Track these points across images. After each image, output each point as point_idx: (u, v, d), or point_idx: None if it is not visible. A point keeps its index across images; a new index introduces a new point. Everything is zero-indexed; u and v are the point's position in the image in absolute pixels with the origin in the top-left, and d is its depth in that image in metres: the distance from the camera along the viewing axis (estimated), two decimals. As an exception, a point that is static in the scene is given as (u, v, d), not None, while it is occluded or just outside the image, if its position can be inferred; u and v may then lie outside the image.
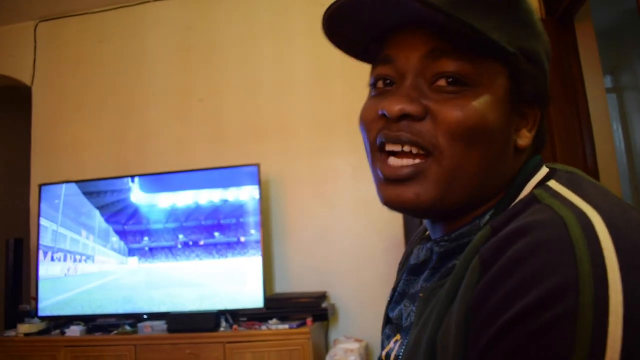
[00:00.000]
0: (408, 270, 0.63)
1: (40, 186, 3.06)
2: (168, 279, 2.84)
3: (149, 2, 3.32)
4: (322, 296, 2.73)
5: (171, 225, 2.88)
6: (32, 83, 3.45)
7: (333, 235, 2.91)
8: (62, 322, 2.84)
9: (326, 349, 2.73)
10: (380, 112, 0.52)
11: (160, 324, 2.63)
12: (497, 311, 0.40)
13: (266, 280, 2.73)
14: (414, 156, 0.51)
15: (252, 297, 2.65)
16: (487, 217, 0.53)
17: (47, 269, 2.95)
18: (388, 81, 0.55)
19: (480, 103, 0.50)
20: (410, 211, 0.53)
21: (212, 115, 3.16)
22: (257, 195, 2.75)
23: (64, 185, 3.02)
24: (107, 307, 2.82)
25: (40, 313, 2.87)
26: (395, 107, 0.50)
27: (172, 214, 2.88)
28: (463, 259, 0.48)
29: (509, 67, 0.52)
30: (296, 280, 2.91)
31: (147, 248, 2.89)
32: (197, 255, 2.82)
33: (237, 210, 2.79)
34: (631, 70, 3.61)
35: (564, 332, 0.36)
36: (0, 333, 2.83)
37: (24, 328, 2.74)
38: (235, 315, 2.66)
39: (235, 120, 3.12)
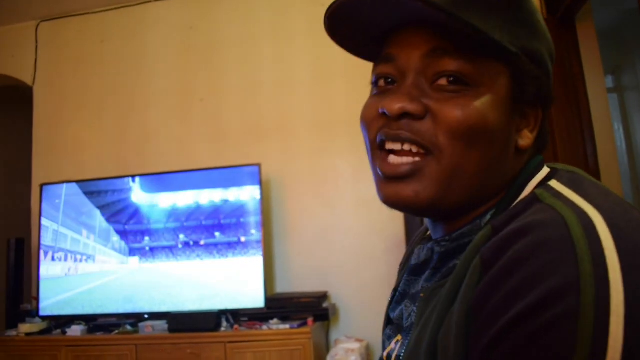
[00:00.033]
0: (409, 271, 0.63)
1: (41, 186, 3.06)
2: (169, 279, 2.84)
3: (150, 2, 3.33)
4: (323, 296, 2.73)
5: (172, 225, 2.88)
6: (33, 83, 3.45)
7: (334, 235, 2.91)
8: (63, 321, 2.84)
9: (327, 349, 2.73)
10: (380, 111, 0.52)
11: (162, 324, 2.63)
12: (498, 311, 0.40)
13: (267, 280, 2.73)
14: (414, 154, 0.51)
15: (253, 297, 2.66)
16: (488, 216, 0.53)
17: (48, 269, 2.95)
18: (389, 80, 0.55)
19: (481, 103, 0.50)
20: (409, 209, 0.53)
21: (213, 115, 3.16)
22: (258, 195, 2.75)
23: (64, 185, 3.02)
24: (107, 307, 2.83)
25: (42, 313, 2.87)
26: (396, 105, 0.50)
27: (173, 213, 2.88)
28: (464, 259, 0.48)
29: (511, 67, 0.52)
30: (297, 280, 2.91)
31: (147, 248, 2.89)
32: (198, 255, 2.82)
33: (238, 210, 2.79)
34: (632, 70, 3.61)
35: (565, 332, 0.36)
36: (2, 333, 2.84)
37: (25, 328, 2.74)
38: (237, 315, 2.66)
39: (236, 120, 3.12)
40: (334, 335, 2.81)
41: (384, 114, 0.52)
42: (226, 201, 2.82)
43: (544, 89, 0.54)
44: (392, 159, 0.52)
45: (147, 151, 3.21)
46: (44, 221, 3.00)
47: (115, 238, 2.94)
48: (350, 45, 0.59)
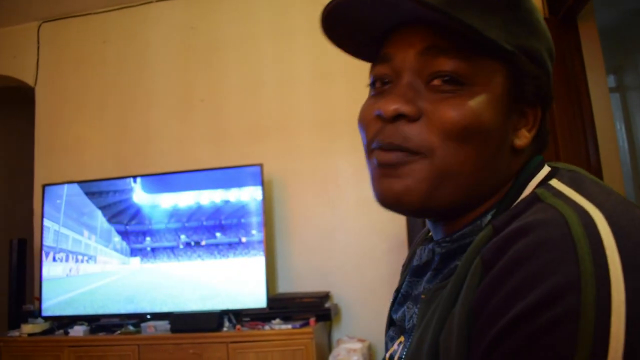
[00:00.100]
0: (411, 272, 0.63)
1: (43, 186, 3.07)
2: (170, 280, 2.84)
3: (151, 2, 3.33)
4: (325, 296, 2.72)
5: (173, 225, 2.88)
6: (35, 84, 3.46)
7: (336, 235, 2.91)
8: (65, 322, 2.84)
9: (329, 349, 2.73)
10: (376, 113, 0.52)
11: (164, 324, 2.63)
12: (499, 311, 0.40)
13: (269, 280, 2.73)
14: (406, 155, 0.51)
15: (255, 297, 2.66)
16: (488, 217, 0.53)
17: (49, 270, 2.95)
18: (386, 81, 0.54)
19: (476, 102, 0.50)
20: (402, 207, 0.52)
21: (214, 116, 3.16)
22: (259, 196, 2.75)
23: (65, 186, 3.03)
24: (109, 307, 2.83)
25: (44, 313, 2.87)
26: (390, 107, 0.50)
27: (175, 214, 2.89)
28: (465, 260, 0.48)
29: (508, 66, 0.51)
30: (299, 281, 2.91)
31: (149, 248, 2.89)
32: (199, 256, 2.83)
33: (240, 211, 2.80)
34: (634, 69, 3.60)
35: (565, 332, 0.36)
36: (4, 333, 2.84)
37: (27, 328, 2.74)
38: (239, 316, 2.66)
39: (237, 120, 3.12)
40: (336, 335, 2.81)
41: (379, 116, 0.52)
42: (228, 201, 2.82)
43: (543, 88, 0.54)
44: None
45: (149, 151, 3.22)
46: (46, 222, 3.00)
47: (117, 238, 2.94)
48: (348, 45, 0.59)
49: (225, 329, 2.57)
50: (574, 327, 0.36)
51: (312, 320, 2.53)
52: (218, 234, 2.81)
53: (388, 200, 0.52)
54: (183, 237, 2.86)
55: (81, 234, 2.98)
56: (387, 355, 0.63)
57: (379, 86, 0.55)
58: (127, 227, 2.93)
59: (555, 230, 0.40)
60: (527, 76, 0.52)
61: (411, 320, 0.59)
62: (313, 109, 3.02)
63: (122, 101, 3.32)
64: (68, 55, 3.45)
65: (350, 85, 2.81)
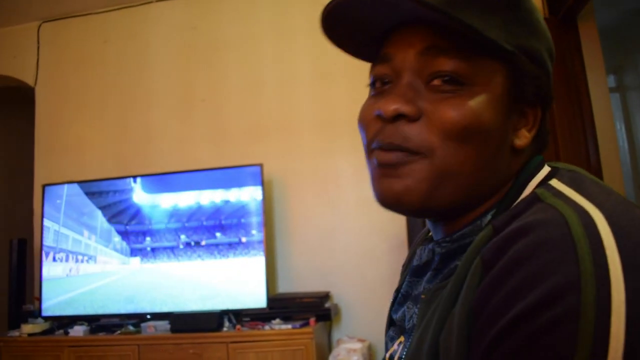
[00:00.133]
0: (411, 272, 0.63)
1: (43, 186, 3.07)
2: (170, 280, 2.84)
3: (151, 2, 3.33)
4: (325, 296, 2.72)
5: (173, 225, 2.88)
6: (35, 84, 3.46)
7: (336, 235, 2.91)
8: (65, 322, 2.84)
9: (329, 349, 2.73)
10: (376, 113, 0.52)
11: (164, 324, 2.63)
12: (499, 311, 0.40)
13: (269, 280, 2.73)
14: (405, 155, 0.51)
15: (255, 297, 2.66)
16: (488, 217, 0.53)
17: (49, 270, 2.95)
18: (386, 80, 0.54)
19: (476, 102, 0.50)
20: (402, 206, 0.52)
21: (215, 116, 3.16)
22: (259, 196, 2.75)
23: (65, 186, 3.03)
24: (109, 307, 2.83)
25: (44, 313, 2.87)
26: (391, 107, 0.50)
27: (175, 214, 2.89)
28: (465, 260, 0.48)
29: (508, 66, 0.51)
30: (299, 281, 2.91)
31: (149, 248, 2.89)
32: (199, 256, 2.83)
33: (240, 211, 2.80)
34: (634, 69, 3.60)
35: (565, 332, 0.36)
36: (4, 333, 2.84)
37: (27, 328, 2.74)
38: (239, 316, 2.66)
39: (238, 120, 3.12)
40: (336, 335, 2.81)
41: (379, 116, 0.52)
42: (228, 201, 2.82)
43: (543, 88, 0.54)
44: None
45: (149, 151, 3.22)
46: (46, 222, 3.00)
47: (117, 238, 2.94)
48: (349, 45, 0.59)
49: (225, 329, 2.57)
50: (574, 327, 0.36)
51: (312, 320, 2.53)
52: (218, 234, 2.81)
53: (388, 200, 0.52)
54: (183, 237, 2.86)
55: (81, 234, 2.98)
56: (387, 355, 0.63)
57: (379, 86, 0.55)
58: (127, 227, 2.93)
59: (555, 230, 0.40)
60: (527, 76, 0.52)
61: (411, 321, 0.59)
62: (313, 109, 3.02)
63: (123, 101, 3.32)
64: (68, 55, 3.45)
65: (350, 85, 2.81)
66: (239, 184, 2.80)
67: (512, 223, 0.44)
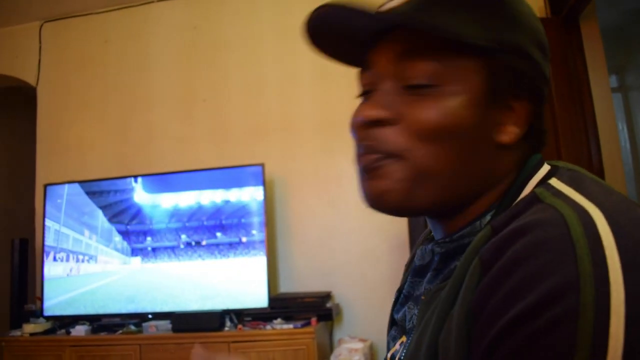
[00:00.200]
0: (412, 272, 0.63)
1: (45, 186, 3.07)
2: (171, 279, 2.84)
3: (153, 2, 3.33)
4: (327, 296, 2.72)
5: (174, 225, 2.88)
6: (37, 84, 3.46)
7: (337, 235, 2.91)
8: (67, 322, 2.85)
9: (331, 348, 2.73)
10: (356, 120, 0.54)
11: (165, 324, 2.63)
12: (498, 312, 0.39)
13: (271, 280, 2.73)
14: (383, 158, 0.52)
15: (256, 297, 2.66)
16: (488, 217, 0.52)
17: (50, 269, 2.96)
18: (368, 88, 0.56)
19: (451, 102, 0.50)
20: (383, 208, 0.53)
21: (216, 115, 3.16)
22: (261, 195, 2.75)
23: (66, 185, 3.03)
24: (110, 307, 2.83)
25: (46, 313, 2.88)
26: (366, 113, 0.52)
27: (175, 214, 2.89)
28: (463, 260, 0.47)
29: (487, 61, 0.51)
30: (300, 280, 2.91)
31: (150, 248, 2.89)
32: (200, 256, 2.83)
33: (241, 210, 2.80)
34: (637, 69, 3.60)
35: (565, 332, 0.36)
36: (6, 333, 2.84)
37: (29, 328, 2.75)
38: (240, 315, 2.66)
39: (239, 120, 3.12)
40: (337, 335, 2.81)
41: (360, 122, 0.53)
42: (230, 201, 2.82)
43: (529, 81, 0.53)
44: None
45: (151, 151, 3.22)
46: (47, 221, 3.01)
47: (118, 238, 2.94)
48: (341, 55, 0.61)
49: (226, 328, 2.57)
50: (573, 327, 0.35)
51: (313, 320, 2.53)
52: (219, 234, 2.82)
53: (370, 201, 0.54)
54: (184, 236, 2.86)
55: (82, 233, 2.98)
56: (389, 355, 0.63)
57: (365, 92, 0.57)
58: (128, 227, 2.93)
59: (554, 230, 0.40)
60: (506, 70, 0.51)
61: (411, 321, 0.59)
62: (315, 109, 3.02)
63: (124, 101, 3.33)
64: (70, 55, 3.45)
65: (352, 86, 2.79)
66: (240, 183, 2.80)
67: (510, 223, 0.44)
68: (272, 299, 2.65)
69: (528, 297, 0.38)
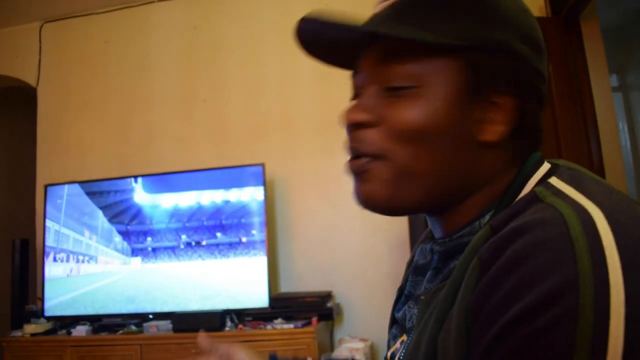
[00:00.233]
0: (413, 271, 0.63)
1: (45, 187, 3.07)
2: (171, 279, 2.84)
3: (153, 2, 3.33)
4: (327, 296, 2.73)
5: (174, 225, 2.88)
6: (37, 84, 3.46)
7: (338, 234, 2.91)
8: (68, 322, 2.85)
9: (331, 348, 2.73)
10: (343, 123, 0.56)
11: (166, 324, 2.63)
12: (497, 312, 0.39)
13: (271, 280, 2.73)
14: (366, 160, 0.54)
15: (257, 296, 2.66)
16: (487, 217, 0.52)
17: (50, 270, 2.96)
18: (358, 90, 0.57)
19: (429, 102, 0.51)
20: (371, 208, 0.55)
21: (216, 115, 3.16)
22: (261, 195, 2.75)
23: (66, 186, 3.03)
24: (110, 307, 2.83)
25: (47, 313, 2.88)
26: (348, 117, 0.54)
27: (175, 214, 2.89)
28: (462, 260, 0.47)
29: (464, 59, 0.51)
30: (301, 280, 2.91)
31: (150, 248, 2.89)
32: (200, 256, 2.83)
33: (241, 210, 2.80)
34: (637, 69, 3.60)
35: (564, 333, 0.36)
36: (7, 333, 2.84)
37: (30, 328, 2.75)
38: (241, 315, 2.66)
39: (239, 120, 3.12)
40: (338, 334, 2.81)
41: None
42: (230, 201, 2.82)
43: (514, 77, 0.51)
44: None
45: (151, 151, 3.22)
46: (47, 222, 3.01)
47: (118, 238, 2.94)
48: (335, 60, 0.62)
49: (227, 328, 2.57)
50: (572, 327, 0.35)
51: (314, 319, 2.53)
52: (219, 234, 2.82)
53: (360, 202, 0.56)
54: (184, 237, 2.86)
55: (82, 234, 2.98)
56: (389, 353, 0.63)
57: (356, 95, 0.58)
58: (128, 227, 2.93)
59: (553, 229, 0.40)
60: (488, 67, 0.51)
61: (411, 320, 0.59)
62: (315, 109, 3.01)
63: (124, 101, 3.33)
64: (70, 55, 3.45)
65: (352, 85, 2.81)
66: (241, 183, 2.80)
67: (510, 222, 0.44)
68: (272, 299, 2.65)
69: (527, 297, 0.37)
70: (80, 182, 3.03)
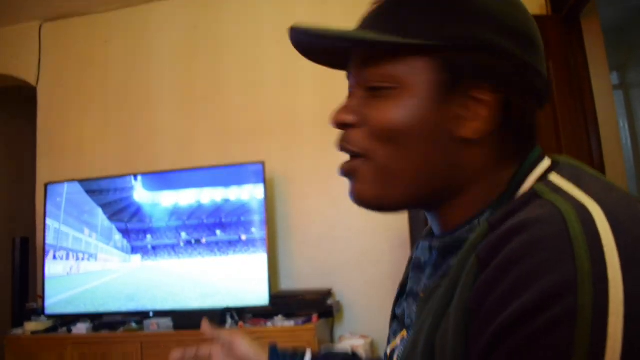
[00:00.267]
0: (413, 267, 0.63)
1: (46, 185, 3.07)
2: (171, 277, 2.85)
3: (154, 1, 3.33)
4: (328, 293, 2.73)
5: (174, 223, 2.88)
6: (37, 83, 3.46)
7: (338, 232, 2.91)
8: (68, 320, 2.85)
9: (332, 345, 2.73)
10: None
11: (167, 321, 2.64)
12: (495, 312, 0.39)
13: (272, 277, 2.73)
14: (352, 159, 0.56)
15: (257, 294, 2.66)
16: (487, 214, 0.52)
17: (50, 268, 2.96)
18: (350, 90, 0.59)
19: (405, 101, 0.51)
20: (363, 206, 0.56)
21: (216, 114, 3.16)
22: (261, 193, 2.75)
23: (66, 184, 3.03)
24: (110, 305, 2.83)
25: (47, 311, 2.88)
26: (335, 118, 0.56)
27: (175, 212, 2.89)
28: (461, 258, 0.47)
29: (439, 57, 0.51)
30: (301, 278, 2.91)
31: (150, 246, 2.89)
32: (200, 253, 2.83)
33: (242, 208, 2.80)
34: (638, 67, 3.60)
35: (563, 333, 0.35)
36: (8, 331, 2.84)
37: (31, 326, 2.75)
38: (241, 313, 2.67)
39: (240, 118, 3.12)
40: (338, 331, 2.81)
41: None
42: (230, 199, 2.82)
43: (492, 72, 0.50)
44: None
45: (151, 150, 3.22)
46: (47, 220, 3.01)
47: (118, 236, 2.94)
48: (333, 63, 0.63)
49: (228, 326, 2.58)
50: (571, 327, 0.35)
51: (314, 317, 2.53)
52: (218, 232, 2.82)
53: (354, 201, 0.57)
54: (184, 234, 2.87)
55: (82, 232, 2.98)
56: (389, 349, 0.63)
57: (348, 97, 0.60)
58: (128, 225, 2.93)
59: (552, 227, 0.39)
60: (465, 63, 0.50)
61: (410, 317, 0.59)
62: (316, 107, 3.01)
63: (124, 100, 3.32)
64: (70, 54, 3.45)
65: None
66: (241, 181, 2.80)
67: (508, 220, 0.44)
68: (273, 297, 2.66)
69: (525, 296, 0.37)
70: (80, 181, 3.03)
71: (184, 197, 2.88)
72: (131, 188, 2.95)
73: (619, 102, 3.54)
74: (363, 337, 2.59)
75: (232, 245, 2.78)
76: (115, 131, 3.31)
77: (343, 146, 0.56)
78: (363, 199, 0.55)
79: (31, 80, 3.47)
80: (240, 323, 2.57)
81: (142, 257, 2.89)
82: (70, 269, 2.96)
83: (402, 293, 0.66)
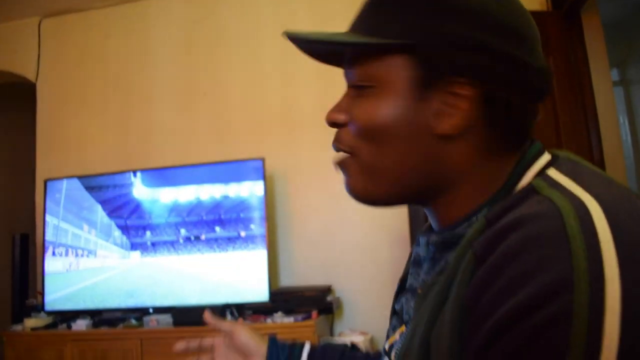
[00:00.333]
0: (413, 262, 0.63)
1: (45, 181, 3.07)
2: (171, 274, 2.85)
3: (153, -4, 3.32)
4: (327, 290, 2.73)
5: (173, 219, 2.88)
6: (36, 79, 3.46)
7: (338, 229, 2.91)
8: (68, 316, 2.85)
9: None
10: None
11: (166, 318, 2.64)
12: (491, 309, 0.39)
13: (271, 274, 2.73)
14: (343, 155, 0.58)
15: (257, 291, 2.66)
16: (485, 211, 0.51)
17: (49, 264, 2.96)
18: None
19: (383, 99, 0.52)
20: (356, 199, 0.58)
21: (217, 110, 3.16)
22: (261, 190, 2.75)
23: (65, 180, 3.03)
24: (110, 301, 2.83)
25: (47, 308, 2.88)
26: (327, 116, 0.58)
27: (175, 208, 2.89)
28: (457, 254, 0.47)
29: (416, 55, 0.51)
30: (301, 274, 2.92)
31: (149, 243, 2.89)
32: (199, 250, 2.83)
33: (241, 205, 2.79)
34: (638, 63, 3.59)
35: (558, 332, 0.35)
36: (8, 328, 2.85)
37: (30, 322, 2.75)
38: (241, 309, 2.67)
39: (240, 114, 3.12)
40: (338, 328, 2.81)
41: None
42: (230, 196, 2.82)
43: (469, 66, 0.49)
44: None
45: (150, 146, 3.22)
46: (47, 216, 3.01)
47: (117, 233, 2.94)
48: (334, 61, 0.62)
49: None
50: (567, 326, 0.35)
51: (314, 313, 2.53)
52: (218, 229, 2.82)
53: (348, 193, 0.58)
54: (183, 231, 2.87)
55: (81, 228, 2.98)
56: (387, 345, 0.63)
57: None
58: (127, 222, 2.93)
59: (548, 223, 0.39)
60: (441, 59, 0.50)
61: (408, 313, 0.58)
62: (316, 103, 3.01)
63: (124, 96, 3.32)
64: (69, 50, 3.44)
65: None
66: (241, 178, 2.80)
67: (505, 215, 0.43)
68: (272, 293, 2.66)
69: (520, 293, 0.37)
70: (80, 177, 3.02)
71: (183, 193, 2.88)
72: (130, 184, 2.95)
73: (619, 98, 3.53)
74: (363, 333, 2.60)
75: (231, 241, 2.78)
76: (114, 127, 3.31)
77: (335, 145, 0.58)
78: (353, 193, 0.57)
79: (30, 76, 3.46)
80: (240, 319, 2.57)
81: (142, 253, 2.89)
82: (70, 265, 2.96)
83: (402, 289, 0.66)
